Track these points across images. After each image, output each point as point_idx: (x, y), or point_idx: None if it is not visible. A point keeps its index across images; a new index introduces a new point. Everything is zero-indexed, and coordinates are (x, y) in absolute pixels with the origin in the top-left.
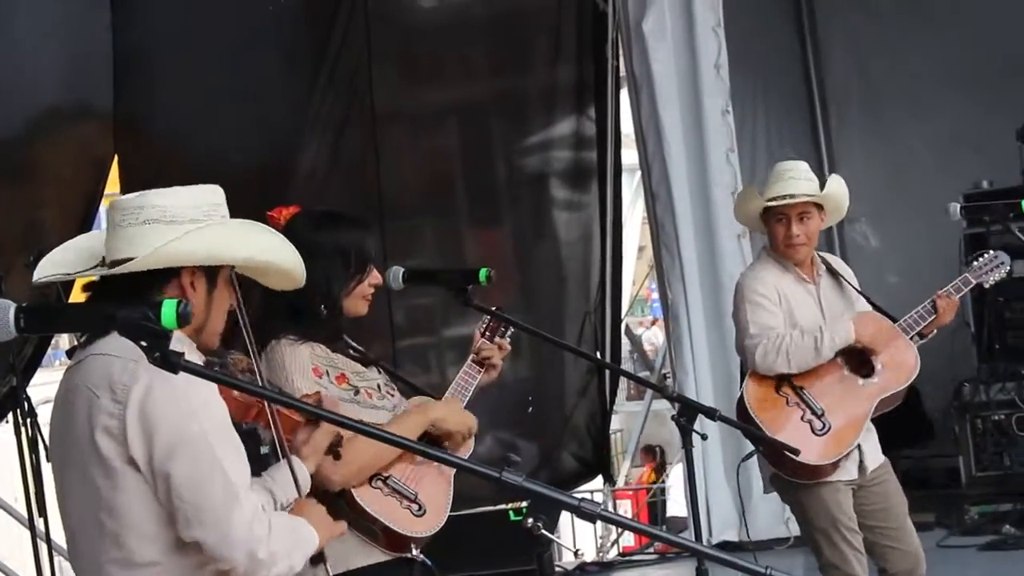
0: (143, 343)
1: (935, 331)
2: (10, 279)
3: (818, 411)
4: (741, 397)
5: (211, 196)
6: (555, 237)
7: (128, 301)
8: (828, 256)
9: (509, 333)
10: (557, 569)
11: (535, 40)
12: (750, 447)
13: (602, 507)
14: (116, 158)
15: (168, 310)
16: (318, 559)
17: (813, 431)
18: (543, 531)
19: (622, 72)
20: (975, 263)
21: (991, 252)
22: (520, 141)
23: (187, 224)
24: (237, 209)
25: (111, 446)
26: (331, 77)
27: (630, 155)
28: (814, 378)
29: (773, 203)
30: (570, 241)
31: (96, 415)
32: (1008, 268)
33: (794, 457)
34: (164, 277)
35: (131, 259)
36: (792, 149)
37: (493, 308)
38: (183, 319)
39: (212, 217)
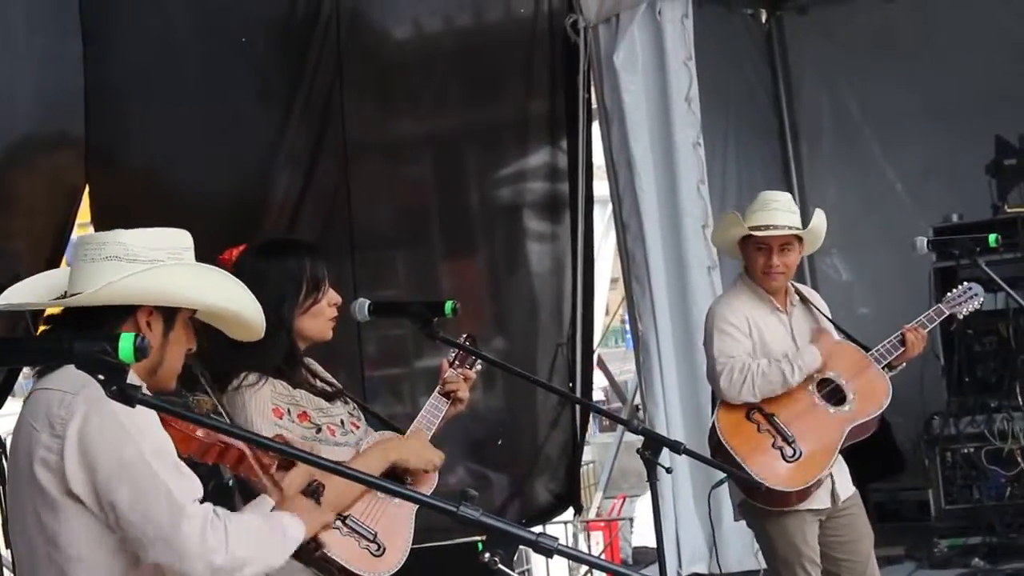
0: (100, 376)
1: (904, 364)
2: None
3: (789, 438)
4: (713, 425)
5: (178, 240)
6: (528, 268)
7: (84, 335)
8: (801, 286)
9: (477, 363)
10: None
11: (508, 72)
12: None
13: (558, 542)
14: (88, 189)
15: (125, 343)
16: (311, 558)
17: (784, 458)
18: (500, 565)
19: (594, 104)
20: (948, 294)
21: (965, 284)
22: (493, 172)
23: (147, 264)
24: (210, 240)
25: (50, 479)
26: (304, 109)
27: (603, 187)
28: (785, 405)
29: (757, 232)
30: (543, 272)
31: (35, 449)
32: (981, 299)
33: (764, 484)
34: (120, 314)
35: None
36: (763, 181)
37: (463, 337)
38: (140, 352)
39: (177, 260)
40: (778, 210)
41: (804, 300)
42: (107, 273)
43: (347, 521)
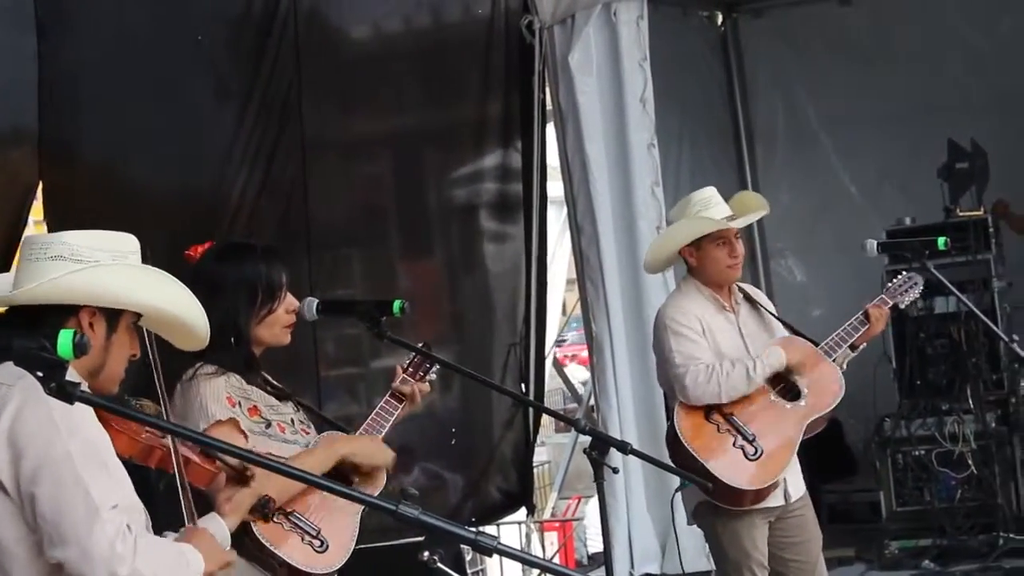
0: (39, 373)
1: (865, 344)
2: None
3: (749, 436)
4: (672, 427)
5: (123, 243)
6: (484, 268)
7: (23, 335)
8: (743, 285)
9: (433, 371)
10: None
11: (465, 72)
12: (672, 480)
13: (497, 541)
14: (41, 185)
15: (64, 340)
16: (254, 553)
17: (746, 456)
18: (439, 564)
19: (548, 105)
20: (890, 284)
21: (904, 274)
22: (450, 172)
23: (91, 263)
24: (166, 238)
25: None
26: (261, 107)
27: (558, 187)
28: (742, 404)
29: (734, 223)
30: (498, 273)
31: None
32: (921, 289)
33: (731, 484)
34: (63, 314)
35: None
36: (718, 183)
37: (420, 345)
38: (79, 349)
39: (121, 261)
40: (720, 203)
41: (748, 299)
42: (50, 272)
43: (290, 517)
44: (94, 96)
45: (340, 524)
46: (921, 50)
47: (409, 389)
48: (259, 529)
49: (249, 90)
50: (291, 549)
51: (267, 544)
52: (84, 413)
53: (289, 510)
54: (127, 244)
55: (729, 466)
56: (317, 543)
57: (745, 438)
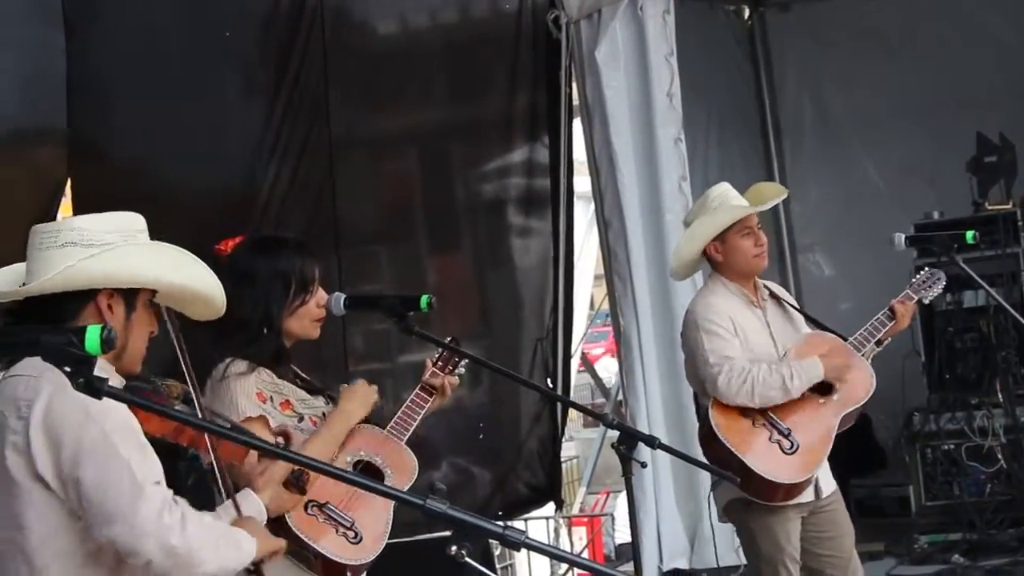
0: (67, 369)
1: (890, 339)
2: None
3: (784, 431)
4: (708, 423)
5: (132, 222)
6: (511, 264)
7: (45, 323)
8: (767, 282)
9: (462, 364)
10: None
11: (492, 67)
12: (701, 475)
13: (525, 535)
14: (70, 182)
15: (92, 336)
16: (256, 573)
17: (783, 451)
18: (467, 559)
19: (575, 100)
20: (913, 280)
21: (927, 269)
22: (477, 168)
23: (103, 246)
24: (194, 235)
25: (18, 462)
26: (288, 104)
27: (585, 183)
28: None
29: (754, 209)
30: (525, 268)
31: (5, 435)
32: (944, 284)
33: (770, 479)
34: (80, 299)
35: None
36: (745, 178)
37: (448, 340)
38: (107, 345)
39: (131, 242)
40: (738, 195)
41: (773, 295)
42: (63, 259)
43: (324, 509)
44: (122, 93)
45: (374, 515)
46: (949, 44)
47: (439, 382)
48: (294, 522)
49: (277, 86)
50: (326, 541)
51: (302, 536)
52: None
53: (323, 501)
54: (135, 223)
55: (767, 461)
56: (351, 534)
57: (781, 433)
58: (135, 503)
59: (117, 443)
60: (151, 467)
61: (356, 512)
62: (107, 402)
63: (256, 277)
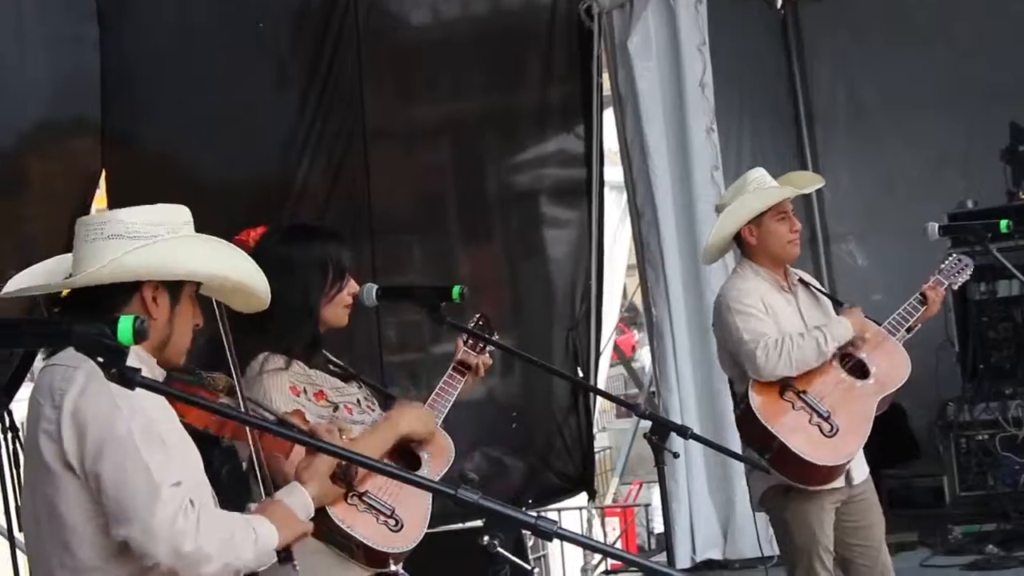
0: (100, 359)
1: (920, 325)
2: None
3: (824, 413)
4: (747, 405)
5: (177, 215)
6: (544, 254)
7: (88, 316)
8: (797, 270)
9: (493, 341)
10: None
11: (525, 57)
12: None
13: (557, 525)
14: (104, 173)
15: (124, 326)
16: (286, 558)
17: (823, 433)
18: (499, 548)
19: (607, 90)
20: (942, 266)
21: (954, 255)
22: (511, 158)
23: (148, 240)
24: (227, 225)
25: (51, 449)
26: (321, 95)
27: (617, 172)
28: (814, 382)
29: (795, 193)
30: (557, 258)
31: (39, 422)
32: (971, 269)
33: (810, 460)
34: (126, 291)
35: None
36: (778, 167)
37: (477, 317)
38: (139, 335)
39: (176, 234)
40: (773, 179)
41: (802, 281)
42: (110, 252)
43: (364, 497)
44: (156, 85)
45: (414, 502)
46: (982, 31)
47: (473, 361)
48: (335, 511)
49: (310, 77)
50: (367, 529)
51: (343, 526)
52: (146, 395)
53: (363, 490)
54: (180, 215)
55: (807, 442)
56: (392, 522)
57: (820, 416)
58: (151, 506)
59: (140, 443)
60: (173, 468)
61: (396, 499)
62: (139, 398)
63: (292, 266)
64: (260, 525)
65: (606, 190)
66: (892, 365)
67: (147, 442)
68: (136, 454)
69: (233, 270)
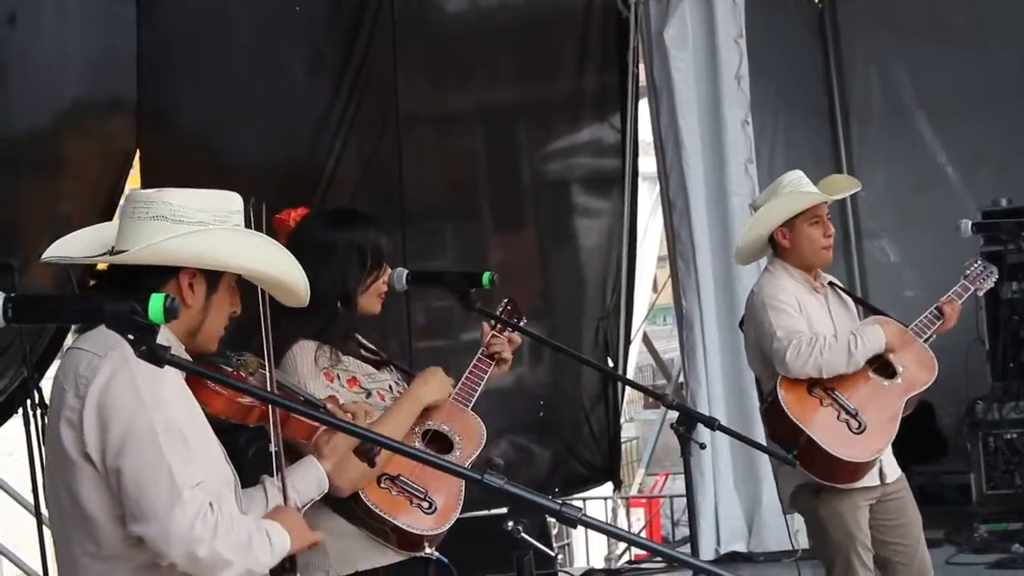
0: (130, 336)
1: (936, 337)
2: (29, 271)
3: (852, 411)
4: (775, 399)
5: (227, 203)
6: (575, 243)
7: (122, 293)
8: (825, 274)
9: (522, 324)
10: (564, 575)
11: (560, 46)
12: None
13: (582, 513)
14: (139, 153)
15: (155, 304)
16: (290, 568)
17: (851, 430)
18: (523, 534)
19: (642, 80)
20: (968, 272)
21: (979, 261)
22: (544, 147)
23: (194, 225)
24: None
25: (71, 437)
26: (356, 79)
27: (650, 163)
28: (842, 380)
29: (829, 198)
30: (589, 248)
31: (61, 409)
32: (996, 277)
33: (838, 456)
34: (163, 274)
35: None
36: (812, 162)
37: (505, 301)
38: (170, 314)
39: (223, 223)
40: (812, 184)
41: (832, 284)
42: (151, 233)
43: (397, 481)
44: (191, 65)
45: (447, 484)
46: (1019, 30)
47: (499, 346)
48: (368, 496)
49: (345, 61)
50: (401, 513)
51: (377, 510)
52: (172, 387)
53: (395, 474)
54: (229, 204)
55: (835, 438)
56: (426, 504)
57: (848, 413)
58: (171, 508)
59: (162, 441)
60: (196, 467)
61: (429, 482)
62: (163, 394)
63: (333, 251)
64: (274, 531)
65: (639, 180)
66: (919, 366)
67: (170, 439)
68: (158, 452)
69: (274, 267)
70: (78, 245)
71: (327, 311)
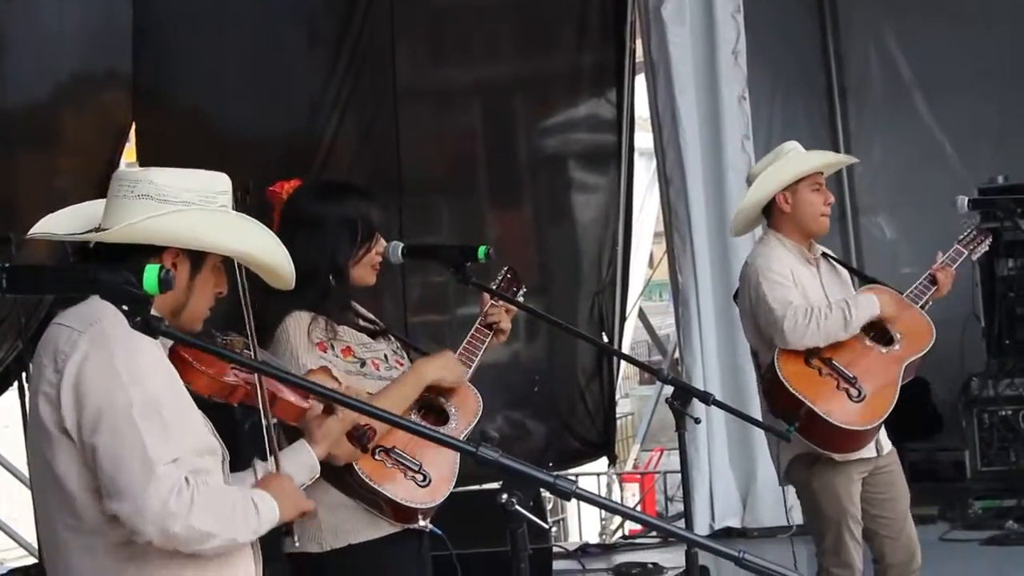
0: (124, 307)
1: (931, 303)
2: (27, 245)
3: (851, 379)
4: (775, 375)
5: (214, 183)
6: (572, 218)
7: (110, 266)
8: (818, 246)
9: (520, 295)
10: (558, 549)
11: (559, 22)
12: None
13: (576, 486)
14: (135, 127)
15: (150, 275)
16: (287, 533)
17: (851, 398)
18: (517, 507)
19: (639, 56)
20: (962, 236)
21: (974, 227)
22: (541, 122)
23: (178, 205)
24: (254, 183)
25: (49, 413)
26: (353, 52)
27: (647, 139)
28: (840, 349)
29: (834, 165)
30: (585, 223)
31: (40, 383)
32: (990, 241)
33: (839, 425)
34: (147, 252)
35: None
36: (809, 138)
37: (504, 270)
38: (165, 284)
39: (208, 204)
40: (807, 151)
41: (825, 255)
42: (136, 211)
43: (391, 453)
44: (187, 41)
45: (441, 457)
46: (1017, 7)
47: (497, 315)
48: (362, 467)
49: (342, 36)
50: (394, 485)
51: (370, 482)
52: (150, 364)
53: (390, 446)
54: (216, 184)
55: (836, 408)
56: (420, 477)
57: (848, 381)
58: (145, 485)
59: (137, 418)
60: (172, 443)
61: (423, 454)
62: (142, 369)
63: (323, 223)
64: (262, 500)
65: (635, 156)
66: (917, 331)
67: (146, 416)
68: (133, 429)
69: (258, 250)
70: (66, 221)
71: (320, 284)
